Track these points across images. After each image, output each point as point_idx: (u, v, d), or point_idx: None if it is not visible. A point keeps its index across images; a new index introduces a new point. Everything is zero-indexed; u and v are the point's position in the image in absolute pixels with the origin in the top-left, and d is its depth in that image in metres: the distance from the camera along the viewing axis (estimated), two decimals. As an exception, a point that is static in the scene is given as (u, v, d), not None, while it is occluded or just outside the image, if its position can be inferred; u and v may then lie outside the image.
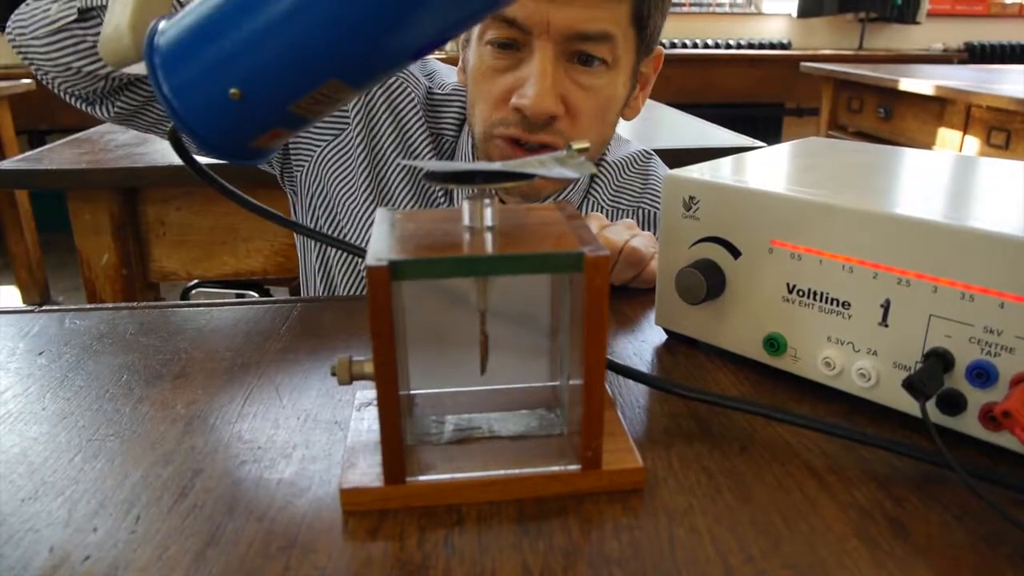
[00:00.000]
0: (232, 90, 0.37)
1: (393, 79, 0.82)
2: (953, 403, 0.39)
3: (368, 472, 0.36)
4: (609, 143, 0.82)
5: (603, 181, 0.84)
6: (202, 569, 0.32)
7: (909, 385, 0.38)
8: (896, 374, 0.41)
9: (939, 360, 0.39)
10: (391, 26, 0.36)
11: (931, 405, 0.40)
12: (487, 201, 0.36)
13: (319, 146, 0.82)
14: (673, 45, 4.55)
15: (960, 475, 0.34)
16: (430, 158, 0.82)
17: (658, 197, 0.85)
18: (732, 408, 0.43)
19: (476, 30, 0.71)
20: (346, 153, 0.81)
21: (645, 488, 0.37)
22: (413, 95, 0.82)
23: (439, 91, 0.84)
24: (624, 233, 0.61)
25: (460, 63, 0.77)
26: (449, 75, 0.87)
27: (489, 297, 0.38)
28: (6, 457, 0.41)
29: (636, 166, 0.87)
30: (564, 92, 0.68)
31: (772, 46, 4.63)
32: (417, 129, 0.82)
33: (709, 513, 0.35)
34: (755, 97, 4.39)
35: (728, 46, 4.57)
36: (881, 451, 0.40)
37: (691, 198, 0.48)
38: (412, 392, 0.42)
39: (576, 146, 0.38)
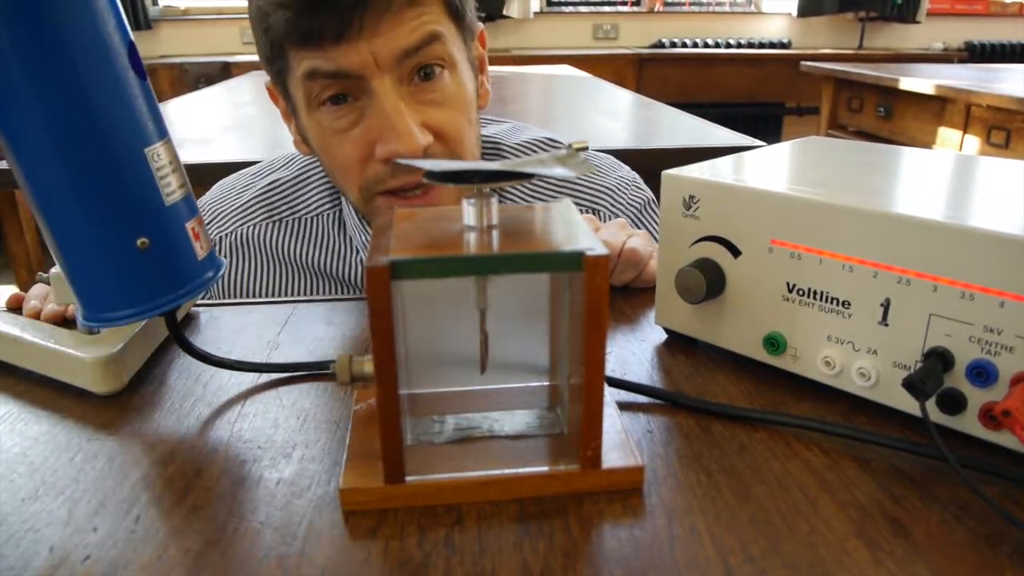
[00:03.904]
0: (139, 242, 0.40)
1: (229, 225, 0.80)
2: (953, 402, 0.39)
3: (368, 472, 0.36)
4: (479, 136, 0.74)
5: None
6: (202, 569, 0.32)
7: (909, 384, 0.38)
8: (896, 373, 0.41)
9: (939, 359, 0.39)
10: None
11: (931, 404, 0.40)
12: (488, 200, 0.36)
13: None
14: (673, 44, 4.55)
15: (959, 473, 0.34)
16: (316, 233, 0.79)
17: (581, 193, 0.82)
18: (733, 417, 0.43)
19: (300, 99, 0.64)
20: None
21: (645, 487, 0.37)
22: (255, 221, 0.79)
23: (283, 185, 0.80)
24: (620, 234, 0.61)
25: (295, 135, 0.72)
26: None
27: (489, 296, 0.38)
28: (6, 457, 0.41)
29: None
30: (423, 118, 0.62)
31: (772, 45, 4.63)
32: (282, 239, 0.79)
33: (709, 513, 0.35)
34: (755, 96, 4.39)
35: (728, 45, 4.57)
36: (881, 450, 0.40)
37: (691, 197, 0.48)
38: (412, 392, 0.42)
39: (576, 145, 0.38)
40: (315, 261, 0.79)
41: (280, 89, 0.68)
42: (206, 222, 0.81)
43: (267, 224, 0.79)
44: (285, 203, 0.79)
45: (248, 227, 0.79)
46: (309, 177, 0.80)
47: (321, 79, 0.61)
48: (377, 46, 0.59)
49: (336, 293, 0.79)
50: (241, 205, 0.80)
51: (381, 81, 0.60)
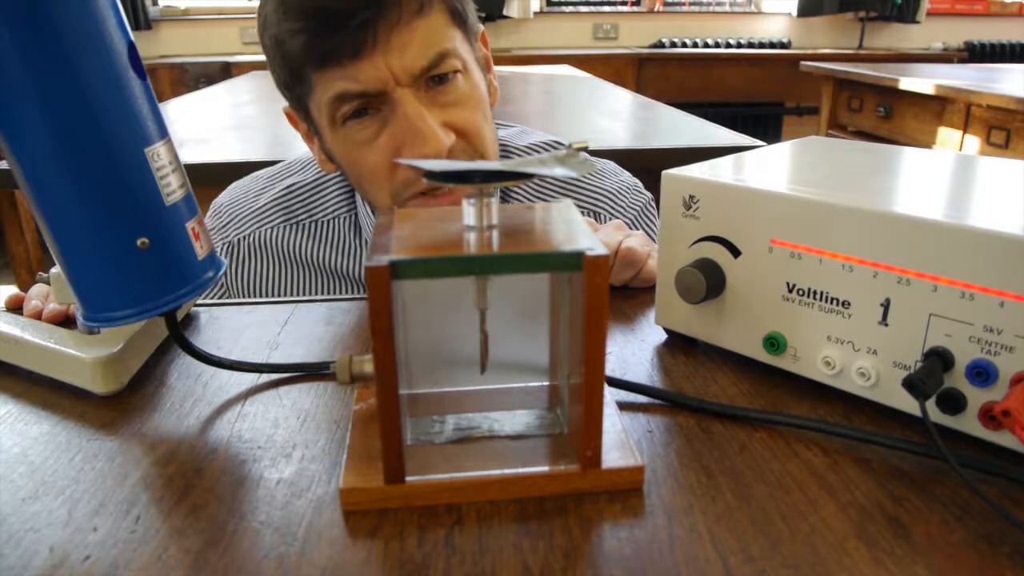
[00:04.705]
0: (139, 242, 0.40)
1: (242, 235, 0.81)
2: (953, 402, 0.39)
3: (368, 471, 0.36)
4: (495, 133, 0.76)
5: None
6: (202, 569, 0.32)
7: (909, 384, 0.38)
8: (896, 373, 0.41)
9: (939, 359, 0.39)
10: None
11: (931, 404, 0.40)
12: (488, 200, 0.36)
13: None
14: (673, 44, 4.55)
15: (959, 473, 0.34)
16: (335, 239, 0.80)
17: (581, 195, 0.83)
18: (733, 417, 0.43)
19: (323, 119, 0.66)
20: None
21: (645, 487, 0.37)
22: (272, 226, 0.81)
23: (300, 188, 0.81)
24: (617, 235, 0.61)
25: (319, 155, 0.73)
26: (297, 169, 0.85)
27: (489, 296, 0.38)
28: (6, 457, 0.41)
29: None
30: (444, 119, 0.65)
31: (772, 45, 4.63)
32: (300, 241, 0.80)
33: (709, 513, 0.35)
34: (755, 96, 4.39)
35: (728, 45, 4.57)
36: (881, 451, 0.40)
37: (691, 197, 0.48)
38: (412, 392, 0.42)
39: (576, 145, 0.38)
40: (330, 262, 0.80)
41: (301, 113, 0.70)
42: (222, 224, 0.82)
43: (284, 227, 0.81)
44: (303, 206, 0.81)
45: (265, 229, 0.81)
46: (326, 181, 0.82)
47: (348, 101, 0.63)
48: (393, 61, 0.61)
49: (350, 293, 0.80)
50: (259, 208, 0.82)
51: (402, 91, 0.63)
